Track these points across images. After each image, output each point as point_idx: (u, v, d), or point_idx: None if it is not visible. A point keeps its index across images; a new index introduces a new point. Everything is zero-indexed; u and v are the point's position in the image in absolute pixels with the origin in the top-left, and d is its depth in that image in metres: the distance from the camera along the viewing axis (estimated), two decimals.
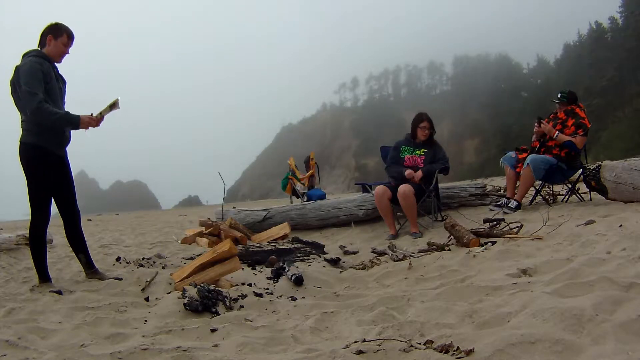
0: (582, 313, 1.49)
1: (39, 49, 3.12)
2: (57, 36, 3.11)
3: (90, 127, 3.13)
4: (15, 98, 3.03)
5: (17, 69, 2.99)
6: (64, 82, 3.28)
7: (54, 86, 3.07)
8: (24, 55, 3.07)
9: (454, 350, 1.42)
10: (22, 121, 3.05)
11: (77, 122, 3.05)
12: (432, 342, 1.54)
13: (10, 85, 3.04)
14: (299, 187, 7.41)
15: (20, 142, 3.05)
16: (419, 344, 1.54)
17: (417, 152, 4.84)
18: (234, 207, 8.82)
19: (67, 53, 3.20)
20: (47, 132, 3.04)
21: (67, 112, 3.05)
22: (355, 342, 1.63)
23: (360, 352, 1.51)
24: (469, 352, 1.38)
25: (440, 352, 1.44)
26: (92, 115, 3.12)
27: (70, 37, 3.17)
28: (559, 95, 5.12)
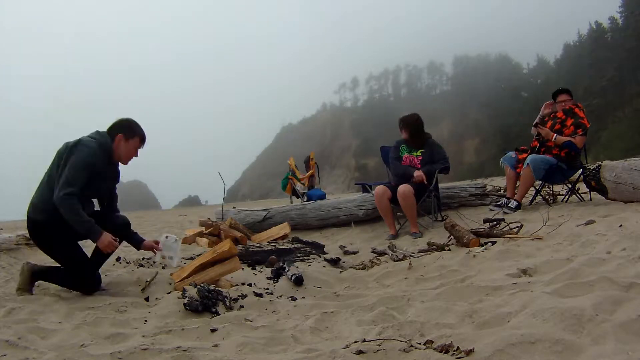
0: (582, 313, 1.49)
1: (108, 138, 2.82)
2: (129, 137, 2.85)
3: (107, 250, 2.75)
4: (54, 173, 2.72)
5: (74, 148, 2.70)
6: (117, 180, 3.03)
7: (99, 187, 2.85)
8: (91, 136, 2.80)
9: (454, 350, 1.42)
10: (37, 194, 2.77)
11: (95, 237, 2.70)
12: (432, 342, 1.54)
13: (57, 156, 2.75)
14: (299, 187, 7.41)
15: (28, 216, 2.77)
16: (419, 344, 1.54)
17: (415, 153, 4.89)
18: (234, 207, 8.80)
19: (136, 156, 2.94)
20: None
21: (92, 222, 2.68)
22: (355, 342, 1.63)
23: (360, 352, 1.51)
24: (469, 352, 1.38)
25: (440, 352, 1.44)
26: (116, 240, 2.76)
27: (142, 140, 2.92)
28: (560, 89, 5.14)
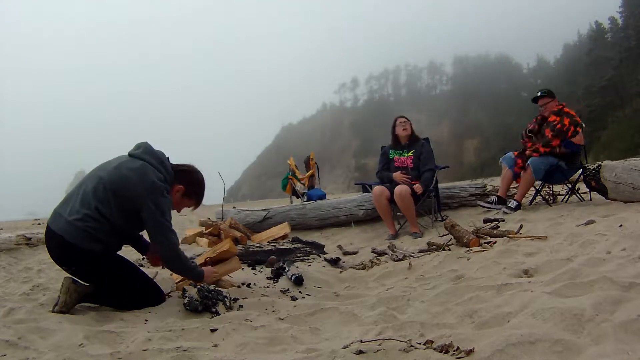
0: (582, 313, 1.49)
1: (173, 177, 2.52)
2: (188, 197, 2.61)
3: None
4: (124, 206, 2.37)
5: (159, 196, 2.35)
6: None
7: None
8: (160, 171, 2.44)
9: (454, 350, 1.42)
10: (86, 215, 2.32)
11: (200, 277, 2.53)
12: (432, 342, 1.54)
13: (111, 190, 2.35)
14: (299, 187, 7.41)
15: (77, 245, 2.32)
16: (419, 344, 1.54)
17: (406, 154, 4.92)
18: (234, 207, 8.82)
19: (178, 212, 2.74)
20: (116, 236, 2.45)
21: (195, 264, 2.61)
22: (355, 342, 1.63)
23: (360, 352, 1.51)
24: (469, 352, 1.38)
25: (440, 352, 1.44)
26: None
27: (196, 206, 2.67)
28: (539, 94, 5.09)
